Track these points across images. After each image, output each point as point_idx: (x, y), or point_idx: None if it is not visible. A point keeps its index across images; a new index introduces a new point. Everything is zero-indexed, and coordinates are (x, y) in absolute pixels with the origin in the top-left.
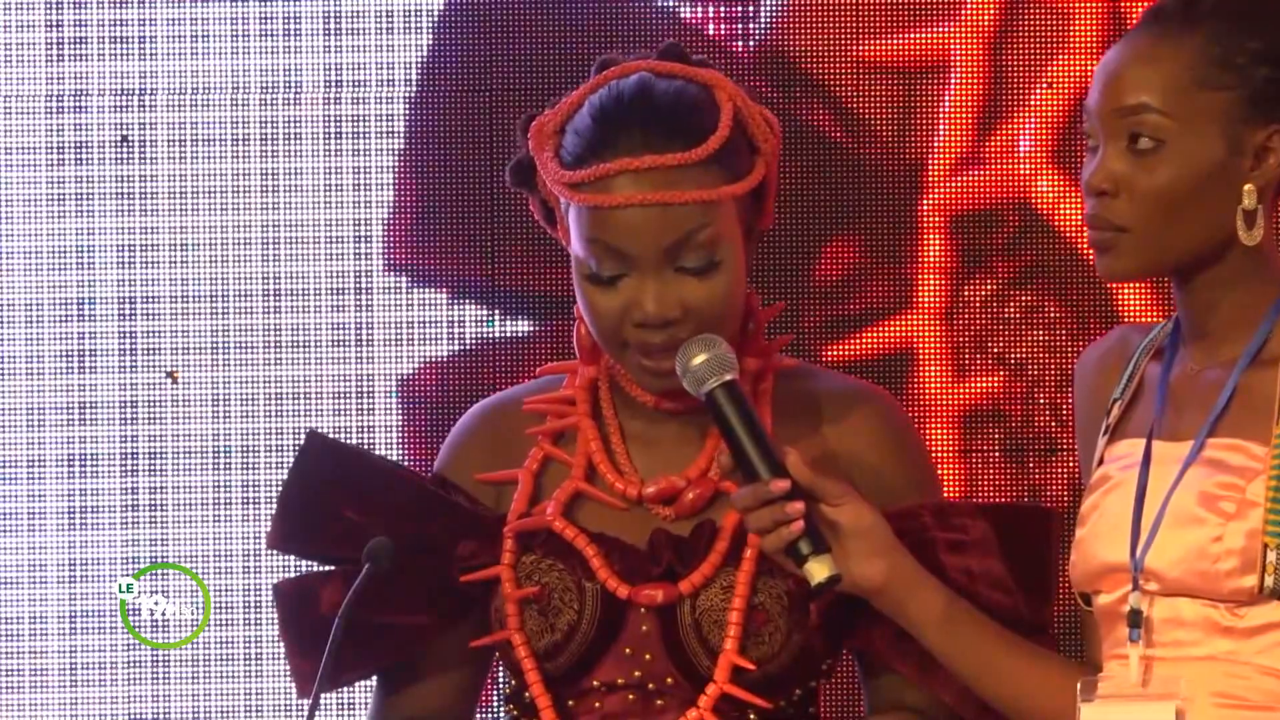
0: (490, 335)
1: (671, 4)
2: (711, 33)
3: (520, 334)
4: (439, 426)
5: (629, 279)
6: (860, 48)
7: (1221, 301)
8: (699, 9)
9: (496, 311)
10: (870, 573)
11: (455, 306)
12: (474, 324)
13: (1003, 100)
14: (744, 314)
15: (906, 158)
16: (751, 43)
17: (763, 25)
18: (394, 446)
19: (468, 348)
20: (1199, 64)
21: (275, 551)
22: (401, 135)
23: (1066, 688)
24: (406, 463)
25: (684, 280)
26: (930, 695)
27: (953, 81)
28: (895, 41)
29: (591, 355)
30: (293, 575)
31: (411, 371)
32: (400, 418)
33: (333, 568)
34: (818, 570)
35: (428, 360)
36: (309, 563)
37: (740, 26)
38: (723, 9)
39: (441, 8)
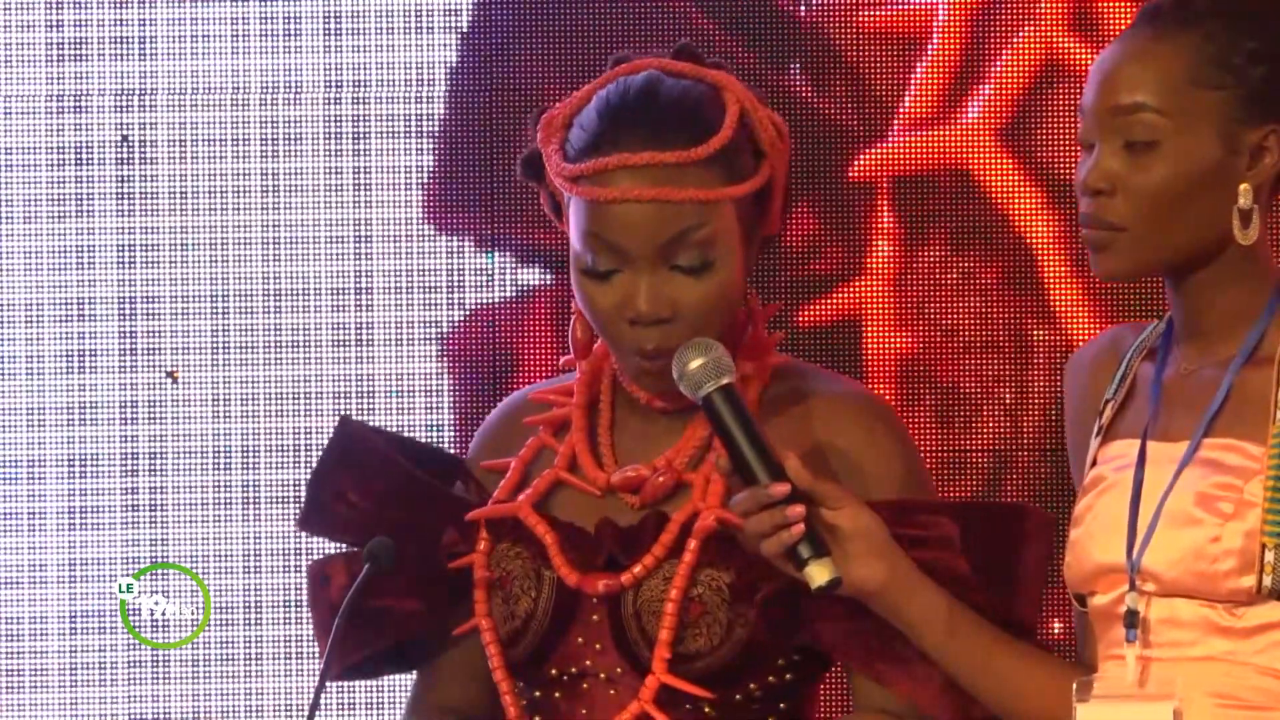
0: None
1: None
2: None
3: (519, 339)
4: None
5: (623, 275)
6: (844, 11)
7: (1216, 301)
8: None
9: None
10: (870, 575)
11: (457, 307)
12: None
13: (969, 72)
14: (743, 315)
15: (868, 126)
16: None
17: None
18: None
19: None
20: (1195, 63)
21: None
22: (403, 136)
23: (1066, 689)
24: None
25: (677, 279)
26: (901, 696)
27: (928, 51)
28: (873, 9)
29: (585, 350)
30: (304, 569)
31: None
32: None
33: (345, 552)
34: (818, 574)
35: (428, 360)
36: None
37: None
38: None
39: (443, 9)
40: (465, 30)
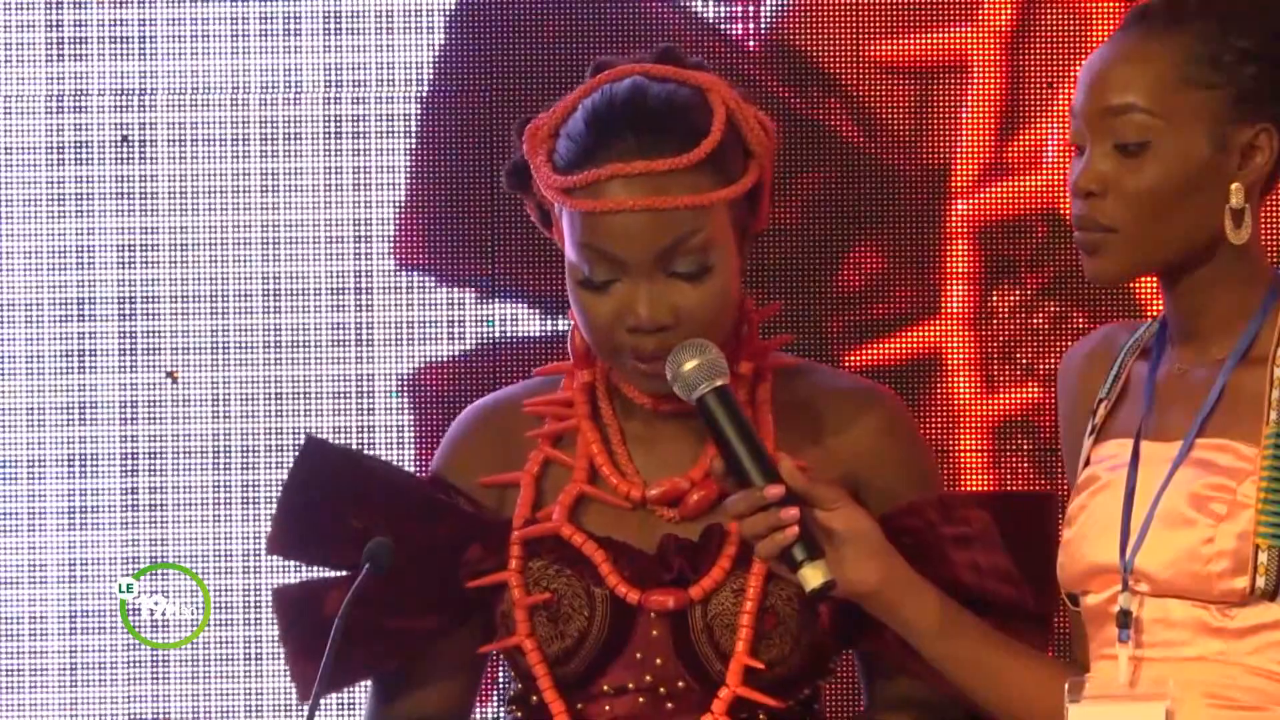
0: (490, 335)
1: (683, 2)
2: (724, 32)
3: (519, 336)
4: (442, 426)
5: (621, 284)
6: (878, 49)
7: (1209, 301)
8: (710, 8)
9: (497, 313)
10: (864, 578)
11: (456, 307)
12: (474, 324)
13: (1023, 103)
14: (739, 316)
15: (929, 162)
16: (755, 42)
17: (771, 24)
18: (395, 446)
19: (468, 348)
20: (1186, 63)
21: (275, 556)
22: (402, 135)
23: (1059, 689)
24: (409, 464)
25: (676, 285)
26: (936, 690)
27: (972, 84)
28: (912, 42)
29: (586, 359)
30: (294, 581)
31: (413, 371)
32: (410, 417)
33: (337, 573)
34: (812, 576)
35: (429, 360)
36: (310, 567)
37: (748, 25)
38: (737, 9)
39: (442, 8)
40: (456, 29)
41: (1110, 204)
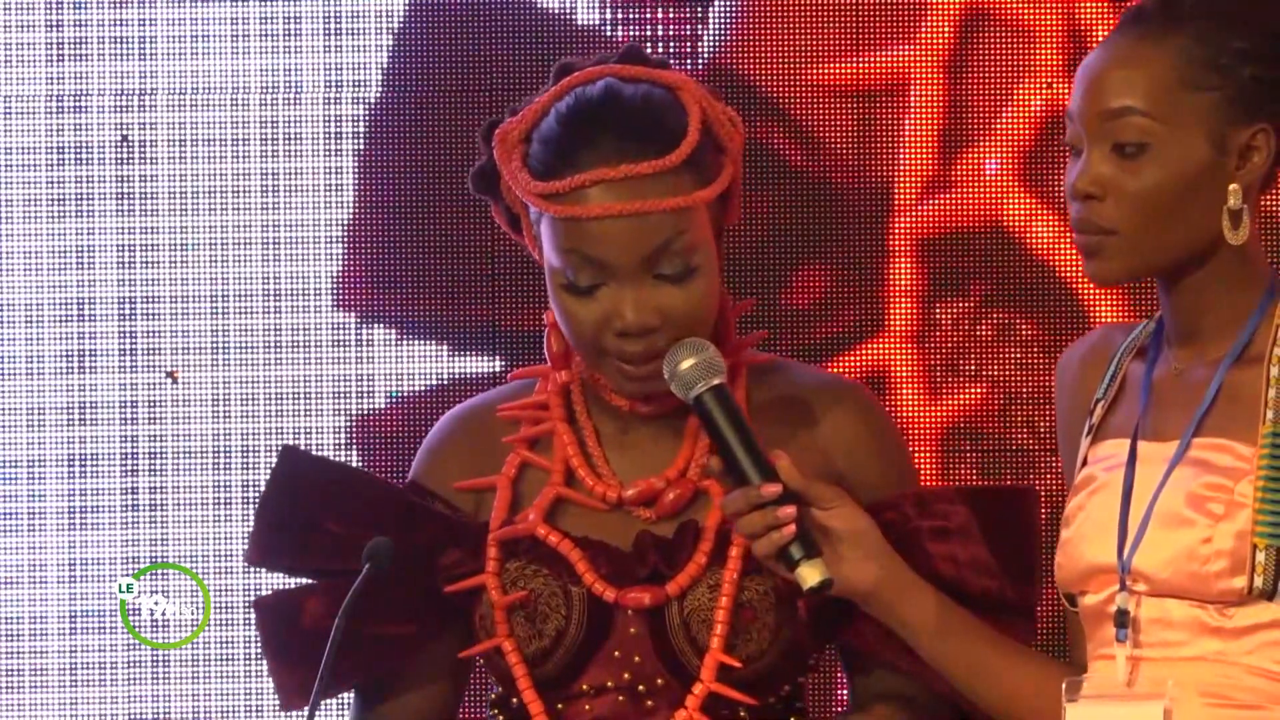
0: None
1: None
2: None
3: (517, 333)
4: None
5: (607, 288)
6: (819, 71)
7: (1207, 302)
8: (650, 32)
9: (492, 307)
10: (862, 577)
11: (454, 308)
12: (475, 324)
13: (964, 121)
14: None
15: (872, 181)
16: (695, 66)
17: (710, 49)
18: (394, 447)
19: (467, 344)
20: (1183, 65)
21: (256, 567)
22: (404, 136)
23: (1056, 689)
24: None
25: (662, 288)
26: (919, 684)
27: (913, 102)
28: (854, 65)
29: (563, 361)
30: (273, 590)
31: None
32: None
33: (313, 581)
34: (809, 575)
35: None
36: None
37: (685, 47)
38: (675, 30)
39: (443, 9)
40: (462, 31)
41: (1110, 207)
